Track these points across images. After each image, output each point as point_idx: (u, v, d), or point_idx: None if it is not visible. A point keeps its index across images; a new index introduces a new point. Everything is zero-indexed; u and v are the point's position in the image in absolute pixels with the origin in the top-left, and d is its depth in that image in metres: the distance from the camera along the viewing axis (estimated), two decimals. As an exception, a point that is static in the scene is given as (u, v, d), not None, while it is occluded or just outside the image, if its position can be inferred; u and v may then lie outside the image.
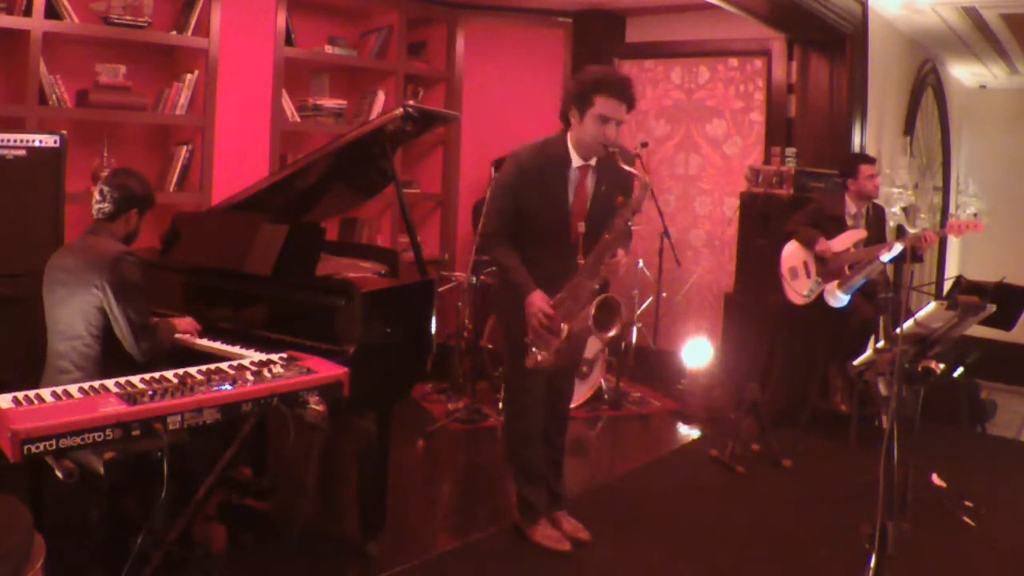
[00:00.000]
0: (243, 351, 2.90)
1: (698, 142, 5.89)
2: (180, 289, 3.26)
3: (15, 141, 3.36)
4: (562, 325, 2.89)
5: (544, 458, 3.26)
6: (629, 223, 2.91)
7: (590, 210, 3.01)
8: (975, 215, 8.03)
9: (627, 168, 2.89)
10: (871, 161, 4.58)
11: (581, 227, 2.97)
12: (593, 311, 2.83)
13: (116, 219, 2.77)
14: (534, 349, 2.95)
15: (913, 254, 4.43)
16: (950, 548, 3.36)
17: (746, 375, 5.08)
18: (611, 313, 2.88)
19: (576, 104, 2.92)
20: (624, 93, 2.88)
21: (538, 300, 2.92)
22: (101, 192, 2.76)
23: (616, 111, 2.87)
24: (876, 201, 4.72)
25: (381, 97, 5.38)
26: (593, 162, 3.02)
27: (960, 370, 4.04)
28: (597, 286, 2.91)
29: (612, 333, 2.90)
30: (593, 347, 4.63)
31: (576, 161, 3.00)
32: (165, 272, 3.23)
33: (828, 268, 4.48)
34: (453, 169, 5.82)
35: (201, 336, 3.03)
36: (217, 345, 2.96)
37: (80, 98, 4.13)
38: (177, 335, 2.93)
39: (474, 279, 4.88)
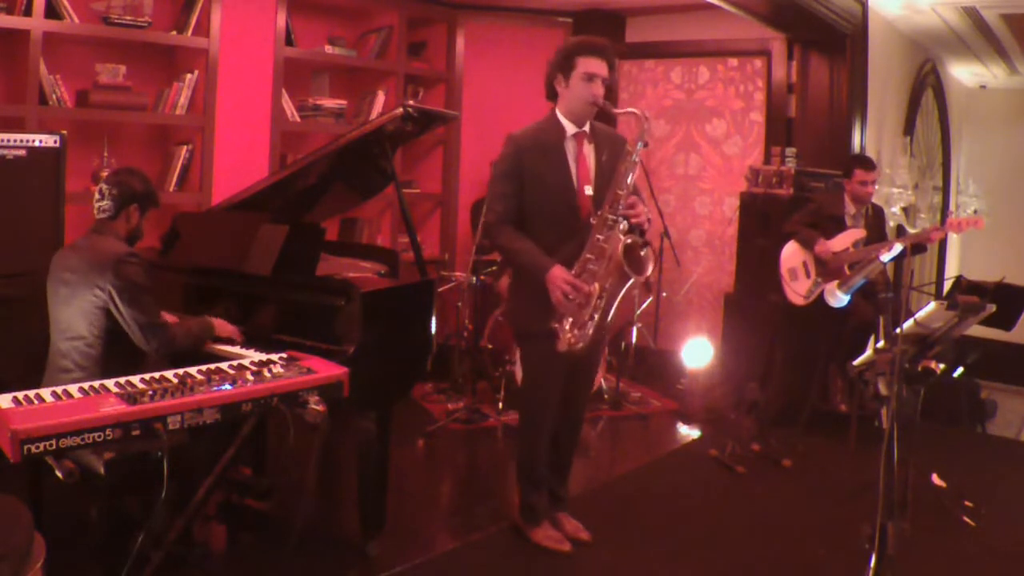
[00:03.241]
0: (243, 351, 2.89)
1: (698, 142, 5.89)
2: (180, 289, 3.26)
3: (15, 141, 3.36)
4: (593, 286, 2.81)
5: (550, 461, 3.25)
6: (634, 163, 2.85)
7: (596, 179, 2.99)
8: (975, 213, 8.04)
9: (621, 111, 3.02)
10: (867, 166, 4.52)
11: (589, 191, 2.96)
12: (622, 255, 2.75)
13: (117, 217, 2.77)
14: (565, 327, 2.85)
15: (916, 246, 4.42)
16: (950, 548, 3.36)
17: (746, 375, 5.08)
18: (638, 254, 2.82)
19: (561, 70, 2.99)
20: (603, 51, 2.95)
21: (559, 272, 2.84)
22: (100, 191, 2.76)
23: (599, 68, 2.93)
24: (875, 202, 4.72)
25: (381, 97, 5.38)
26: (587, 128, 3.02)
27: (960, 370, 4.04)
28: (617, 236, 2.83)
29: (648, 273, 2.84)
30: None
31: (571, 129, 3.01)
32: (165, 272, 3.23)
33: (828, 268, 4.48)
34: (453, 169, 5.82)
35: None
36: (217, 345, 2.96)
37: (80, 98, 4.13)
38: (224, 347, 2.90)
39: (474, 279, 4.87)
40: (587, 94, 2.92)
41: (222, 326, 2.94)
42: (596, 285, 2.82)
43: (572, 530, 3.25)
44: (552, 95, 3.06)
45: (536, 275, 2.90)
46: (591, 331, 2.84)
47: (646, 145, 2.91)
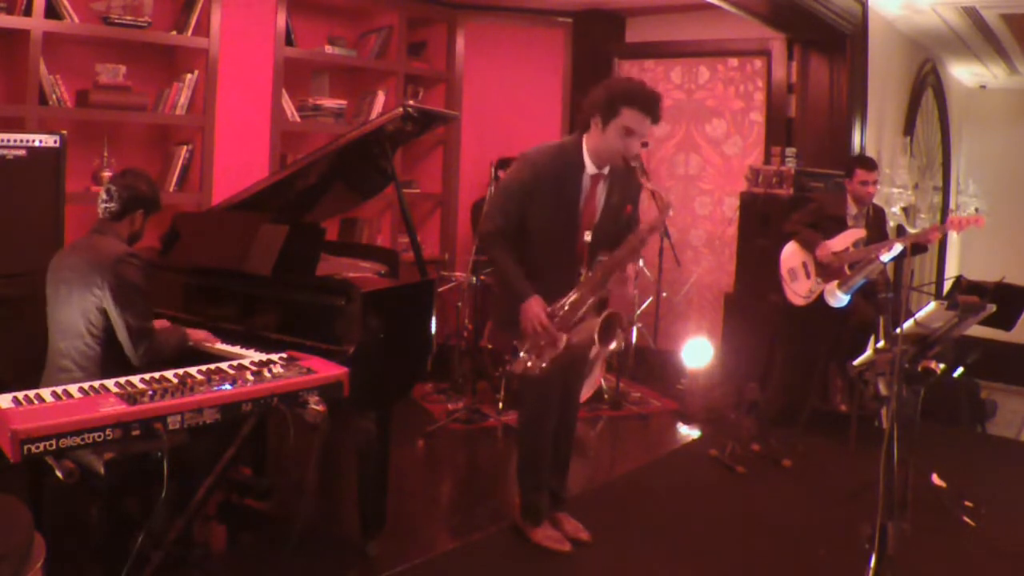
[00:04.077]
0: (243, 351, 2.90)
1: (698, 142, 5.89)
2: (180, 289, 3.26)
3: (15, 141, 3.36)
4: (561, 336, 2.84)
5: (551, 461, 3.25)
6: (644, 242, 2.88)
7: (599, 221, 2.98)
8: (975, 212, 8.04)
9: (648, 185, 2.87)
10: (868, 167, 4.51)
11: (587, 236, 2.94)
12: (598, 327, 2.80)
13: (122, 219, 2.77)
14: (523, 354, 2.90)
15: (916, 246, 4.42)
16: (950, 548, 3.36)
17: (746, 375, 5.08)
18: (613, 328, 2.85)
19: (601, 112, 2.85)
20: (652, 108, 2.82)
21: (535, 306, 2.86)
22: (108, 191, 2.75)
23: (641, 125, 2.82)
24: (875, 202, 4.72)
25: (381, 97, 5.38)
26: (606, 171, 2.97)
27: (960, 370, 4.04)
28: (598, 300, 2.89)
29: (612, 347, 2.88)
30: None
31: (590, 168, 2.95)
32: (165, 272, 3.23)
33: (828, 268, 4.48)
34: (453, 169, 5.82)
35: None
36: (217, 345, 2.96)
37: (80, 98, 4.13)
38: (217, 346, 2.91)
39: (474, 279, 4.88)
40: (621, 147, 2.83)
41: (194, 333, 2.94)
42: (564, 337, 2.84)
43: (572, 530, 3.25)
44: (585, 127, 2.95)
45: (515, 298, 2.91)
46: (544, 367, 2.87)
47: (645, 145, 2.92)
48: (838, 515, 3.55)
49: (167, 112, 4.42)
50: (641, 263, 5.40)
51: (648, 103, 2.81)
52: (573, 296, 2.88)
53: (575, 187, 2.93)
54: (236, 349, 2.92)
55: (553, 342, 2.84)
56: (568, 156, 2.95)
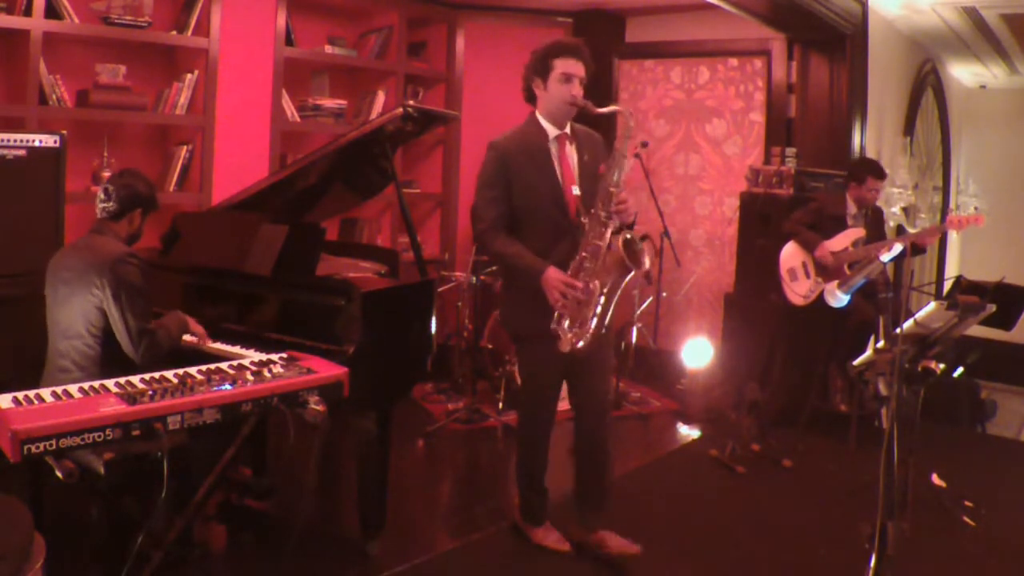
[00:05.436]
0: (243, 351, 2.90)
1: (698, 142, 5.89)
2: (180, 289, 3.26)
3: (15, 141, 3.36)
4: (594, 283, 2.82)
5: (575, 485, 3.22)
6: (625, 157, 2.87)
7: (579, 179, 3.01)
8: (975, 211, 8.03)
9: (603, 110, 2.93)
10: (881, 175, 4.53)
11: (576, 190, 2.97)
12: (622, 250, 2.79)
13: (120, 219, 2.77)
14: (564, 328, 2.85)
15: (915, 248, 4.43)
16: (950, 548, 3.36)
17: (746, 375, 5.08)
18: (635, 247, 2.86)
19: (538, 74, 3.01)
20: (579, 51, 2.97)
21: (555, 273, 2.85)
22: (106, 191, 2.76)
23: (576, 68, 2.96)
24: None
25: (381, 97, 5.38)
26: (568, 130, 3.04)
27: (960, 370, 4.04)
28: (610, 233, 2.85)
29: (647, 266, 2.88)
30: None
31: (552, 132, 3.02)
32: (165, 272, 3.23)
33: (828, 268, 4.48)
34: (453, 169, 5.82)
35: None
36: (217, 345, 2.96)
37: (80, 98, 4.13)
38: (187, 337, 2.89)
39: (474, 279, 4.87)
40: (565, 95, 2.94)
41: (193, 323, 2.93)
42: (596, 283, 2.83)
43: (618, 546, 3.08)
44: (531, 98, 3.08)
45: (531, 278, 2.90)
46: (592, 329, 2.84)
47: (645, 145, 2.91)
48: (838, 515, 3.55)
49: (167, 112, 4.42)
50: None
51: (573, 48, 2.98)
52: (584, 244, 2.87)
53: (544, 152, 3.01)
54: (236, 349, 2.92)
55: (588, 295, 2.82)
56: (527, 129, 3.06)
